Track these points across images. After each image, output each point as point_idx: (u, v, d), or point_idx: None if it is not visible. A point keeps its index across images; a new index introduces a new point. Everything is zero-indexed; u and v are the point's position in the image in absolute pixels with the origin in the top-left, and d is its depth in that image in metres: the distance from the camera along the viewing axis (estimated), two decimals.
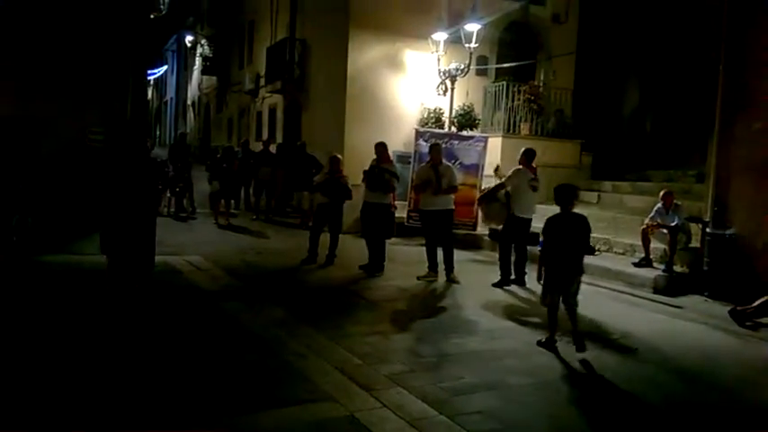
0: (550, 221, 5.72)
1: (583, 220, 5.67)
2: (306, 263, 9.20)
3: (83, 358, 4.76)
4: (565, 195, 5.71)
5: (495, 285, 8.27)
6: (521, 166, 8.54)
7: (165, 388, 4.31)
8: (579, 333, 5.51)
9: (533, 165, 8.74)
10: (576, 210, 5.80)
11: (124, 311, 6.12)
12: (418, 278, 8.47)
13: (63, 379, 4.35)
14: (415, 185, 9.30)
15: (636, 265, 9.01)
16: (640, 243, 9.10)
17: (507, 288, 8.22)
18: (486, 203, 9.20)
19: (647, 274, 8.68)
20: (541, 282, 5.80)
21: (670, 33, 14.27)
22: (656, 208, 9.06)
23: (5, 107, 12.22)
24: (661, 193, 9.17)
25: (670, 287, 8.38)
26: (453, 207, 8.87)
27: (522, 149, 8.82)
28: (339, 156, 9.74)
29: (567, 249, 5.55)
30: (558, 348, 5.63)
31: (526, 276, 8.26)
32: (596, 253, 9.92)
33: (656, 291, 8.31)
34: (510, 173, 8.61)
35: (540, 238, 5.88)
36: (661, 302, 7.90)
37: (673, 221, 8.73)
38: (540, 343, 5.70)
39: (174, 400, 4.12)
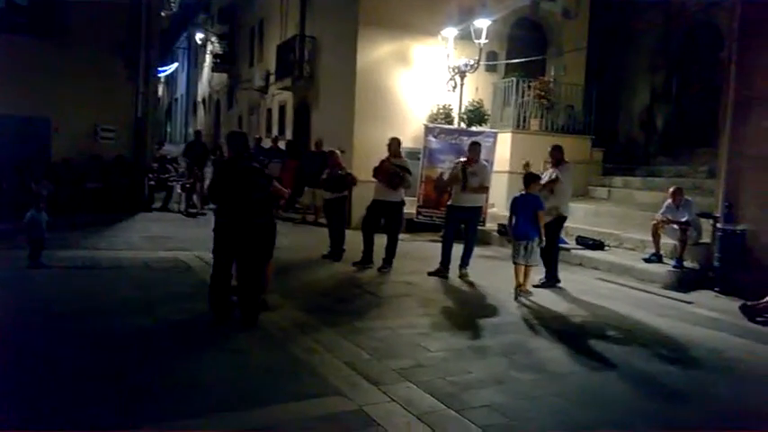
0: (515, 199, 7.63)
1: (536, 199, 7.50)
2: (325, 257, 9.34)
3: None
4: (527, 180, 7.63)
5: (538, 286, 7.84)
6: (569, 162, 8.33)
7: (174, 382, 4.38)
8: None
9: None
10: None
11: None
12: (429, 273, 8.46)
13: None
14: (443, 181, 9.29)
15: (646, 260, 8.99)
16: (650, 239, 9.08)
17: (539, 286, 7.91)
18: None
19: (658, 269, 8.67)
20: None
21: (681, 30, 14.22)
22: (666, 204, 9.04)
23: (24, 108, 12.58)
24: (670, 190, 9.14)
25: (680, 283, 8.38)
26: (482, 205, 8.82)
27: (555, 146, 8.41)
28: (336, 150, 9.92)
29: (523, 220, 7.44)
30: (569, 345, 5.72)
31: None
32: (605, 248, 9.91)
33: (667, 286, 8.30)
34: (564, 170, 8.12)
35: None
36: (671, 298, 7.88)
37: (683, 217, 8.70)
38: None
39: (183, 393, 4.18)
